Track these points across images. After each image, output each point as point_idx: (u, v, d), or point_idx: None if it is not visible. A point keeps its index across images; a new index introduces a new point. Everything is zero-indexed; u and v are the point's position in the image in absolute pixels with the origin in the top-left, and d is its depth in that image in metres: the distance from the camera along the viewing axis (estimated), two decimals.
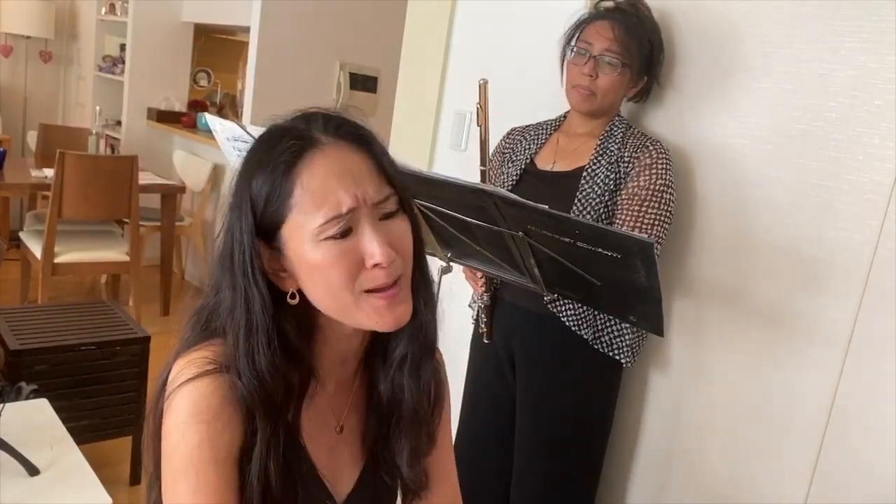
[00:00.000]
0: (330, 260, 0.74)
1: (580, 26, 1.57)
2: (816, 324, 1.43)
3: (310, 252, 0.74)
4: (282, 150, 0.75)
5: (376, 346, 0.86)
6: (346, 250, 0.74)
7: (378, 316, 0.76)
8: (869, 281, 1.36)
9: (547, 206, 1.19)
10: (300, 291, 0.78)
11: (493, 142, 1.74)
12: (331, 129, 0.77)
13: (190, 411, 0.73)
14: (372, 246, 0.74)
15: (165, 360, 0.81)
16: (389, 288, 0.76)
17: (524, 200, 1.19)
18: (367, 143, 0.78)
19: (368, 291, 0.75)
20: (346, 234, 0.74)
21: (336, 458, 0.85)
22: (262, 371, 0.74)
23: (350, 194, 0.74)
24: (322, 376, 0.82)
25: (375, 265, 0.74)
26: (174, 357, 0.79)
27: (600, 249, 1.17)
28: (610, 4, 1.56)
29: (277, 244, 0.76)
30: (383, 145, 0.81)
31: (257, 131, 1.19)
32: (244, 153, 0.80)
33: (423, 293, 0.83)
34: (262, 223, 0.75)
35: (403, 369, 0.85)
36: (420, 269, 0.82)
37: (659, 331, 1.29)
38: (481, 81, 1.38)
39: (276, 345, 0.75)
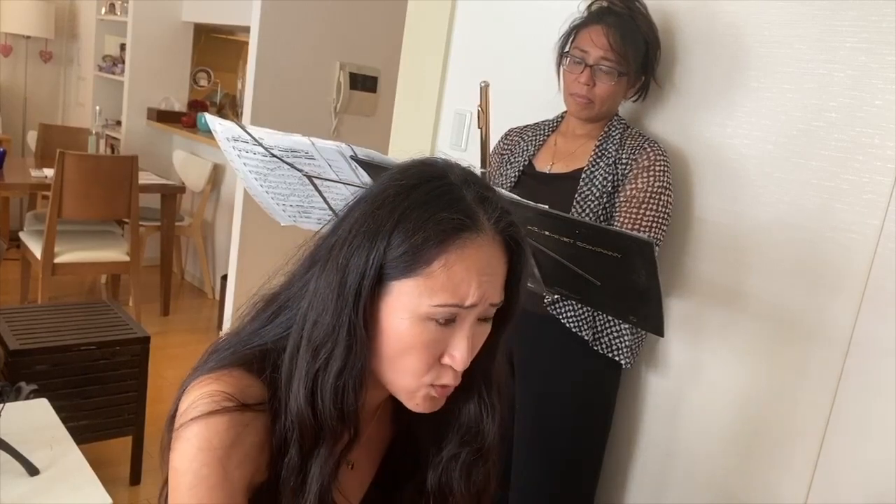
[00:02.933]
0: (417, 343, 0.72)
1: (573, 31, 1.56)
2: (816, 324, 1.43)
3: (404, 324, 0.71)
4: (444, 218, 0.70)
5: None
6: (437, 339, 0.72)
7: (421, 402, 0.76)
8: (869, 281, 1.36)
9: (547, 207, 1.19)
10: None
11: (494, 144, 1.74)
12: (499, 226, 0.73)
13: (201, 447, 0.70)
14: (461, 347, 0.72)
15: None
16: (446, 387, 0.75)
17: (524, 200, 1.19)
18: (518, 255, 0.76)
19: (432, 385, 0.74)
20: (448, 323, 0.72)
21: (344, 490, 0.83)
22: (348, 407, 0.73)
23: (480, 293, 0.71)
24: None
25: (447, 364, 0.73)
26: (191, 379, 0.75)
27: (600, 249, 1.16)
28: (603, 5, 1.54)
29: (378, 289, 0.73)
30: (531, 258, 0.79)
31: (258, 132, 1.19)
32: (397, 179, 0.74)
33: (482, 395, 0.81)
34: (385, 263, 0.71)
35: (451, 471, 0.82)
36: (486, 375, 0.81)
37: (659, 331, 1.29)
38: (483, 84, 1.37)
39: (361, 385, 0.73)
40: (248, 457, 0.72)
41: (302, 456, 0.73)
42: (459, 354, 0.72)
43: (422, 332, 0.71)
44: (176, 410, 0.74)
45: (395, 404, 0.88)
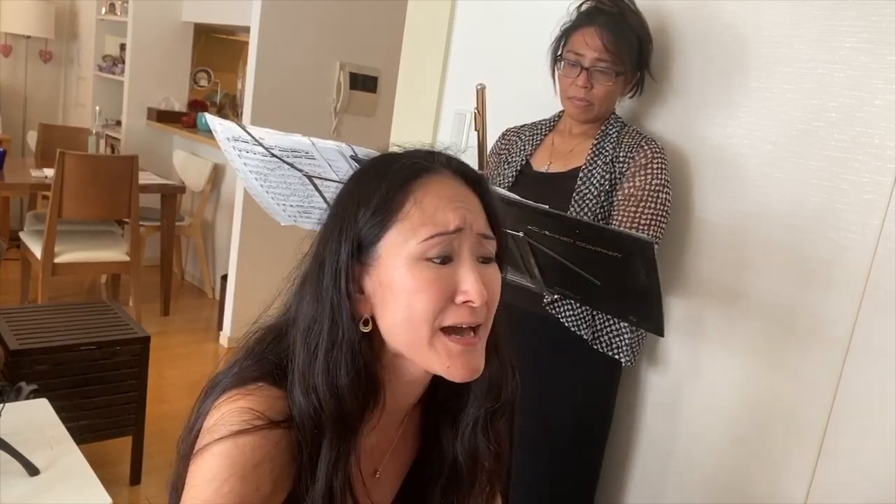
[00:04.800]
0: (422, 284, 0.71)
1: (565, 34, 1.56)
2: (816, 324, 1.43)
3: (402, 272, 0.72)
4: (400, 167, 0.74)
5: (439, 404, 0.83)
6: (441, 277, 0.72)
7: (450, 360, 0.73)
8: (869, 281, 1.36)
9: (547, 206, 1.19)
10: (373, 319, 0.75)
11: (491, 144, 1.74)
12: (452, 164, 0.77)
13: (224, 465, 0.68)
14: (469, 280, 0.72)
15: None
16: (468, 333, 0.73)
17: (524, 200, 1.19)
18: (481, 187, 0.78)
19: (446, 331, 0.73)
20: (445, 260, 0.72)
21: (372, 498, 0.82)
22: (342, 388, 0.71)
23: (459, 215, 0.73)
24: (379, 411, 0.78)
25: (465, 301, 0.72)
26: (218, 391, 0.74)
27: (600, 249, 1.17)
28: (592, 5, 1.53)
29: (368, 259, 0.73)
30: (495, 192, 0.80)
31: (258, 132, 1.19)
32: (352, 170, 0.79)
33: (500, 352, 0.82)
34: (361, 234, 0.73)
35: (477, 430, 0.82)
36: (496, 327, 0.80)
37: (659, 331, 1.29)
38: (479, 86, 1.37)
39: (360, 361, 0.72)
40: (270, 476, 0.71)
41: (311, 455, 0.72)
42: (470, 286, 0.72)
43: (421, 272, 0.71)
44: (195, 420, 0.73)
45: (422, 419, 0.87)
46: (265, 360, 0.77)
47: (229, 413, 0.70)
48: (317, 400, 0.71)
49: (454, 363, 0.73)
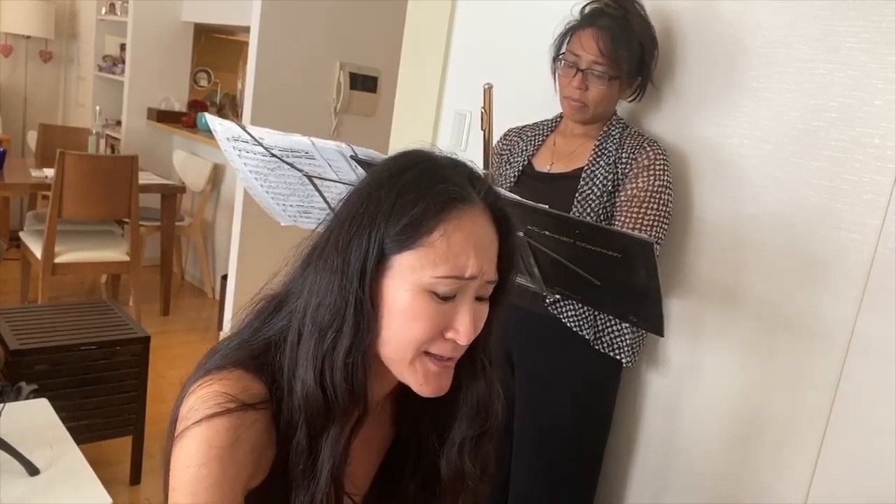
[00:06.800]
0: (420, 314, 0.73)
1: (567, 34, 1.56)
2: (816, 324, 1.43)
3: (405, 295, 0.73)
4: (441, 189, 0.74)
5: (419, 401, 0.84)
6: (440, 312, 0.74)
7: (425, 380, 0.76)
8: (869, 281, 1.36)
9: (547, 206, 1.19)
10: None
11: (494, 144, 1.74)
12: (489, 199, 0.77)
13: (201, 448, 0.71)
14: (464, 322, 0.74)
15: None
16: (448, 359, 0.77)
17: (524, 200, 1.19)
18: (507, 230, 0.79)
19: (427, 354, 0.76)
20: (447, 298, 0.74)
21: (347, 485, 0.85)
22: (359, 384, 0.74)
23: (479, 263, 0.74)
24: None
25: (451, 339, 0.75)
26: (200, 373, 0.76)
27: (600, 249, 1.17)
28: (596, 7, 1.53)
29: (380, 265, 0.74)
30: (517, 235, 0.81)
31: (258, 131, 1.19)
32: (388, 165, 0.78)
33: (488, 376, 0.83)
34: (384, 241, 0.73)
35: (463, 453, 0.84)
36: (486, 352, 0.83)
37: (659, 331, 1.29)
38: (486, 86, 1.37)
39: (370, 364, 0.75)
40: (250, 456, 0.73)
41: (310, 438, 0.74)
42: (463, 328, 0.74)
43: (423, 304, 0.73)
44: (178, 412, 0.75)
45: (396, 405, 0.89)
46: (257, 339, 0.78)
47: (202, 398, 0.72)
48: (332, 391, 0.73)
49: (428, 382, 0.77)
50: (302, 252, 0.80)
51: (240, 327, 0.82)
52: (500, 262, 0.78)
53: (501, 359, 0.88)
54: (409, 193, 0.73)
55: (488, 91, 1.36)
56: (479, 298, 0.77)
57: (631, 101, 1.64)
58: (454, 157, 0.80)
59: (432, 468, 0.86)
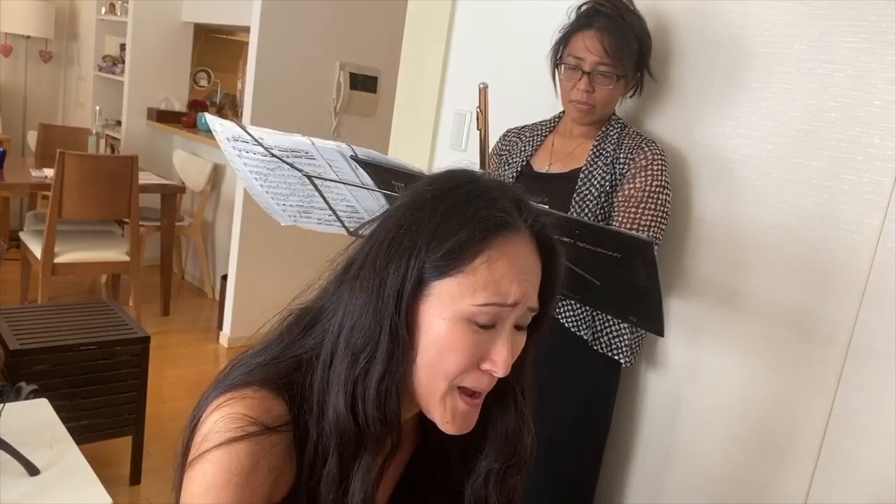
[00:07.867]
0: (457, 344, 0.71)
1: (565, 38, 1.55)
2: (816, 324, 1.43)
3: (444, 324, 0.70)
4: (487, 216, 0.71)
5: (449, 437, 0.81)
6: (478, 343, 0.71)
7: (451, 417, 0.74)
8: (869, 281, 1.36)
9: (547, 206, 1.19)
10: None
11: (493, 144, 1.74)
12: (535, 229, 0.75)
13: (219, 474, 0.68)
14: (502, 353, 0.72)
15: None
16: (478, 395, 0.74)
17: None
18: (552, 258, 0.76)
19: (461, 389, 0.73)
20: (486, 327, 0.71)
21: None
22: (391, 413, 0.71)
23: (521, 291, 0.71)
24: None
25: (490, 369, 0.72)
26: (222, 388, 0.73)
27: (600, 249, 1.16)
28: (590, 7, 1.53)
29: (418, 291, 0.72)
30: (564, 266, 0.78)
31: (258, 132, 1.19)
32: (431, 184, 0.74)
33: (519, 407, 0.80)
34: (424, 266, 0.70)
35: (489, 484, 0.81)
36: (520, 382, 0.80)
37: (659, 331, 1.29)
38: (481, 85, 1.37)
39: (403, 393, 0.72)
40: (268, 479, 0.71)
41: (342, 466, 0.72)
42: (501, 359, 0.71)
43: (461, 333, 0.71)
44: (195, 425, 0.73)
45: (420, 417, 0.86)
46: (286, 357, 0.76)
47: (222, 420, 0.70)
48: (364, 419, 0.71)
49: (454, 420, 0.74)
50: (336, 267, 0.77)
51: (268, 341, 0.79)
52: (542, 291, 0.75)
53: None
54: (454, 217, 0.70)
55: (484, 91, 1.36)
56: (517, 327, 0.74)
57: (630, 97, 1.63)
58: (501, 180, 0.77)
59: (457, 497, 0.84)
